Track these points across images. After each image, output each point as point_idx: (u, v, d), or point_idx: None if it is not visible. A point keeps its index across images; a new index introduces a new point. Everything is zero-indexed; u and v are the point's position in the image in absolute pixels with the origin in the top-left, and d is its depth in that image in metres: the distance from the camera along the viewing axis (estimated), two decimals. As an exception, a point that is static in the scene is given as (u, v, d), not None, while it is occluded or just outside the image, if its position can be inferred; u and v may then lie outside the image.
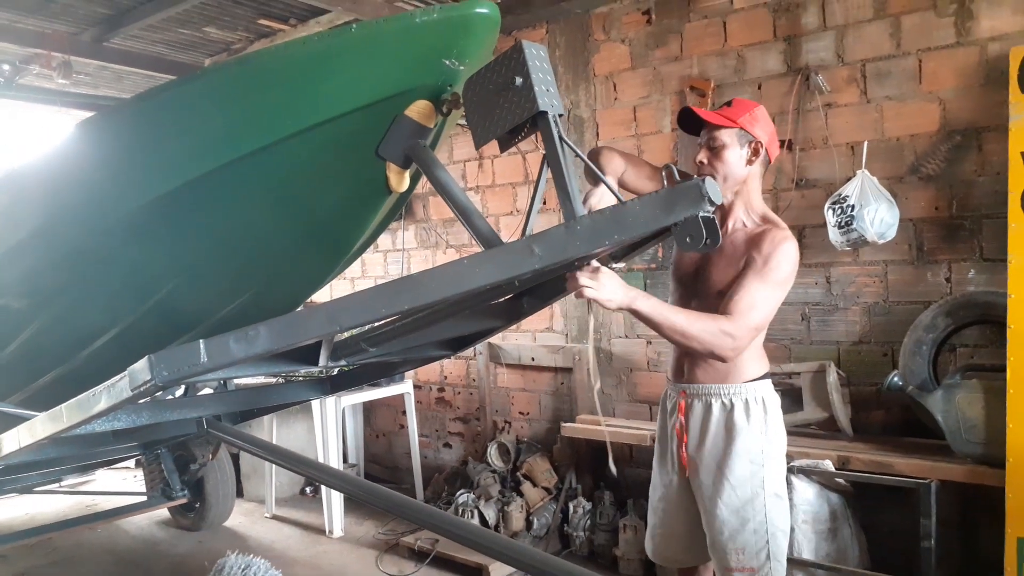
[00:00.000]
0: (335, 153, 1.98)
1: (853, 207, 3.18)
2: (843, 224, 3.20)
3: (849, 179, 3.30)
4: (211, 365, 1.77)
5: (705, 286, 2.23)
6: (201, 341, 1.76)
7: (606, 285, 1.87)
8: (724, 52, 3.81)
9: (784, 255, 2.10)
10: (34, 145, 6.20)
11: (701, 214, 1.59)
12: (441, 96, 1.93)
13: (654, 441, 2.45)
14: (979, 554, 3.09)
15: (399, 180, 2.03)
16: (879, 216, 3.16)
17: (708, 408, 2.22)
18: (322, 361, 2.40)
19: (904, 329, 3.20)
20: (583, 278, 1.86)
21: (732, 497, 2.16)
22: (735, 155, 2.15)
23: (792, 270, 2.14)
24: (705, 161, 2.17)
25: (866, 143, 3.33)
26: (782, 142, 3.59)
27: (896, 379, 3.13)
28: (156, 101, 1.98)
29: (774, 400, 2.25)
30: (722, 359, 2.07)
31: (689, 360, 2.27)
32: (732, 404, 2.19)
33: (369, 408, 5.68)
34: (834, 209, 3.24)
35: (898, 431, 3.35)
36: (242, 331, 1.76)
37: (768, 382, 2.25)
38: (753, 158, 2.18)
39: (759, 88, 3.67)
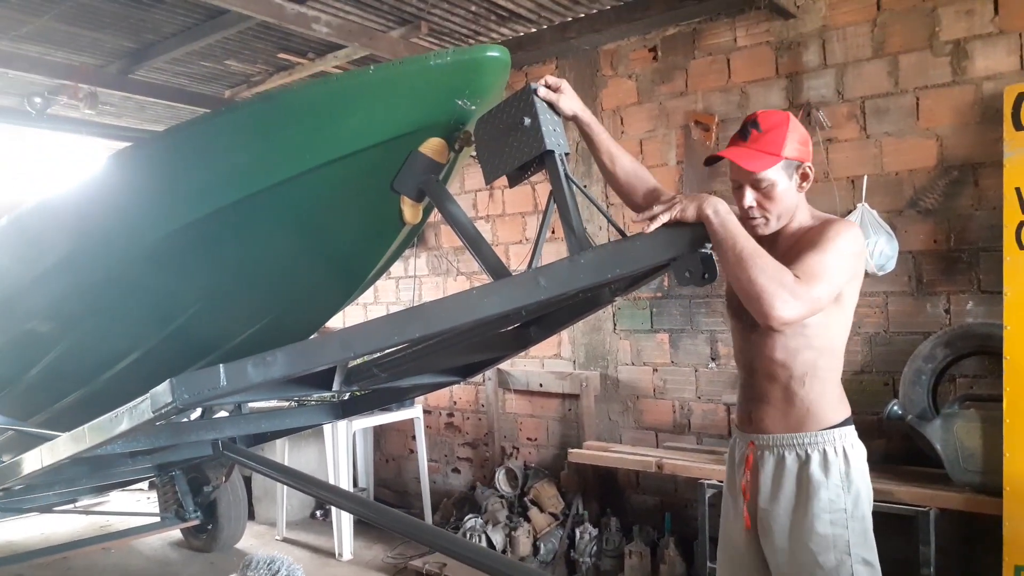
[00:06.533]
0: (353, 187, 2.07)
1: (853, 239, 3.25)
2: (844, 256, 3.27)
3: (850, 212, 3.39)
4: (230, 388, 1.84)
5: None
6: (221, 365, 1.83)
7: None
8: (728, 88, 3.92)
9: (842, 232, 1.85)
10: (59, 172, 6.36)
11: (701, 251, 1.67)
12: (454, 134, 2.02)
13: (659, 467, 2.44)
14: (979, 583, 3.11)
15: (413, 213, 2.12)
16: (879, 248, 3.24)
17: (781, 461, 1.96)
18: (335, 386, 2.48)
19: (904, 359, 3.26)
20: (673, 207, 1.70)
21: (813, 564, 1.90)
22: (786, 188, 1.91)
23: (856, 249, 1.88)
24: (755, 205, 1.92)
25: (866, 177, 3.43)
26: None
27: (896, 408, 3.18)
28: (187, 134, 2.08)
29: (859, 451, 1.97)
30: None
31: (758, 407, 2.03)
32: (808, 456, 1.93)
33: (379, 432, 5.75)
34: (835, 241, 3.31)
35: (899, 459, 3.39)
36: (260, 356, 1.84)
37: (851, 429, 1.98)
38: (803, 183, 1.95)
39: (762, 123, 3.76)
